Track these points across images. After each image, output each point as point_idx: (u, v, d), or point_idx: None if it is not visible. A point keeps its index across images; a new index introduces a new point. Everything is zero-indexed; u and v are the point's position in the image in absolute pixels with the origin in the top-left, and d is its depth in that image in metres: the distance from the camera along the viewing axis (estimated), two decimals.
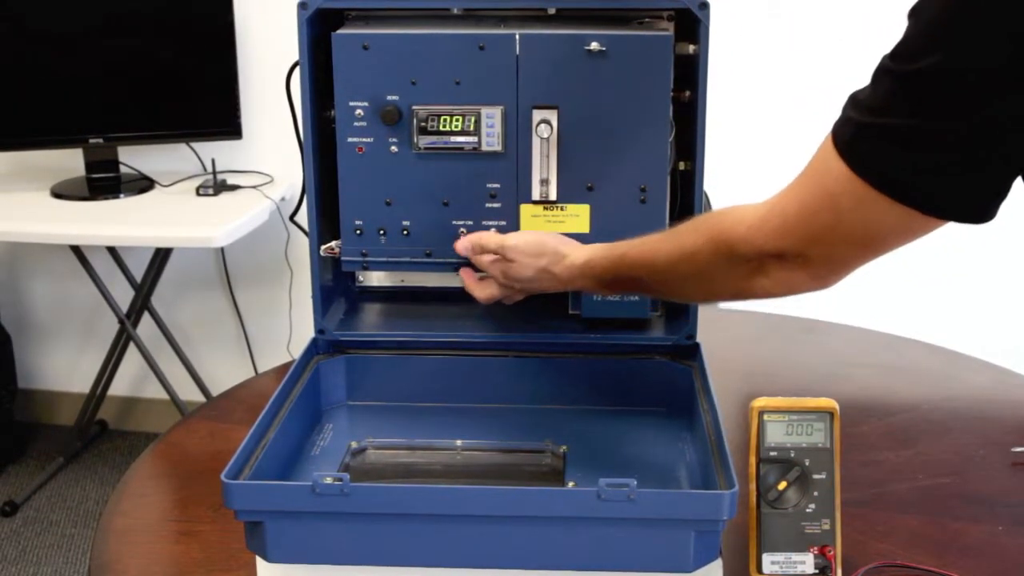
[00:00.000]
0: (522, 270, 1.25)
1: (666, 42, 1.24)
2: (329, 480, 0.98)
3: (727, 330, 1.71)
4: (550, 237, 1.26)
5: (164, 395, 2.84)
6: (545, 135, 1.26)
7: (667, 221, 1.31)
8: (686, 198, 1.31)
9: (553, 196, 1.29)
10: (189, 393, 2.88)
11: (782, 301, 1.76)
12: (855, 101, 0.94)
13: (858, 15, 2.52)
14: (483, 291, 1.31)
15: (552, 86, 1.25)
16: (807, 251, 0.99)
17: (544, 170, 1.29)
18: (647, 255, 1.15)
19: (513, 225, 1.30)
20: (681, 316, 1.33)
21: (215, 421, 1.44)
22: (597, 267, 1.20)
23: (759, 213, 1.02)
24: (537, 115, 1.26)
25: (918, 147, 0.89)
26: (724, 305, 2.41)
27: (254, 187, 2.67)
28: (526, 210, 1.30)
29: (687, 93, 1.28)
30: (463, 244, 1.29)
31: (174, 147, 2.79)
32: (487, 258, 1.28)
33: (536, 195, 1.29)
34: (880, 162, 0.91)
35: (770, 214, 1.01)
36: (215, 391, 2.77)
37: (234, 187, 2.67)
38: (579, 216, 1.30)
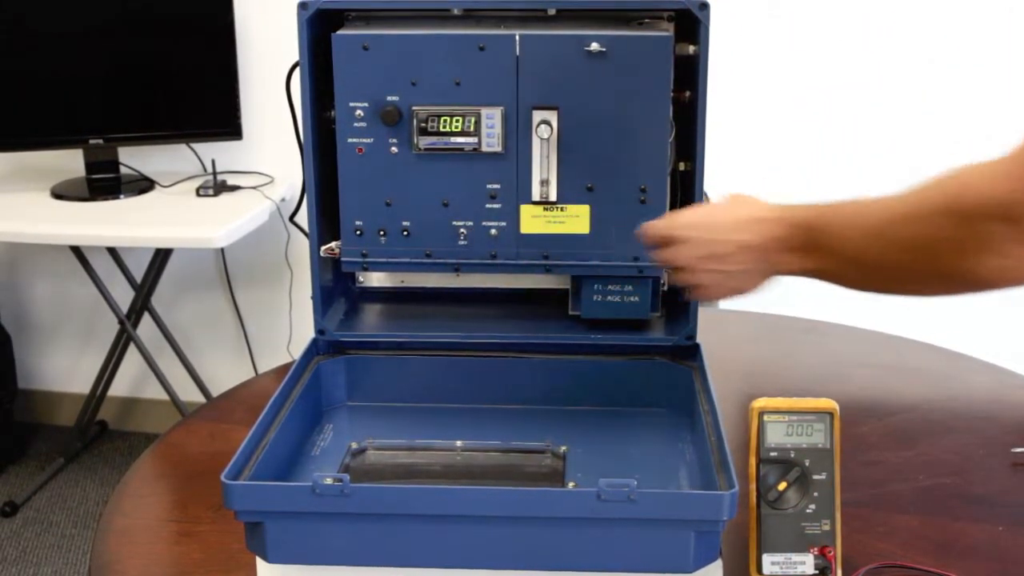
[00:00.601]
0: (709, 245, 1.11)
1: (666, 43, 1.24)
2: (329, 481, 0.98)
3: (727, 330, 1.71)
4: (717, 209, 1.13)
5: (164, 396, 2.84)
6: (545, 136, 1.27)
7: None
8: (686, 198, 1.31)
9: (553, 197, 1.29)
10: (189, 394, 2.88)
11: (780, 301, 1.76)
12: None
13: (858, 15, 2.52)
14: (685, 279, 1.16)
15: (552, 87, 1.25)
16: None
17: (544, 171, 1.29)
18: (858, 210, 0.99)
19: (513, 226, 1.30)
20: (681, 317, 1.33)
21: (215, 421, 1.45)
22: (796, 216, 1.05)
23: (1005, 162, 0.86)
24: (537, 116, 1.26)
25: None
26: (723, 305, 2.42)
27: (254, 188, 2.67)
28: (526, 211, 1.30)
29: (687, 93, 1.28)
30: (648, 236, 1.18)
31: (174, 148, 2.79)
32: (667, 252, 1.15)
33: (536, 196, 1.29)
34: None
35: (1009, 161, 0.86)
36: (215, 391, 2.77)
37: (234, 188, 2.67)
38: (579, 216, 1.30)
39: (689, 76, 1.27)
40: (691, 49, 1.25)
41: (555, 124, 1.26)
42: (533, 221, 1.30)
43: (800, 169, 2.65)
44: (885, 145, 2.56)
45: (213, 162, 2.69)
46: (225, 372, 2.93)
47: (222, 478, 0.99)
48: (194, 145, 2.79)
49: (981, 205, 0.86)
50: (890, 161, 2.60)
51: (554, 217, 1.30)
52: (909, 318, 1.84)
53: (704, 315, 1.32)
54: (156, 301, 2.89)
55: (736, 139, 2.61)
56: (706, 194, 1.32)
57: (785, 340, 1.71)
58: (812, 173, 2.63)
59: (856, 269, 1.01)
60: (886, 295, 1.05)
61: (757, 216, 1.09)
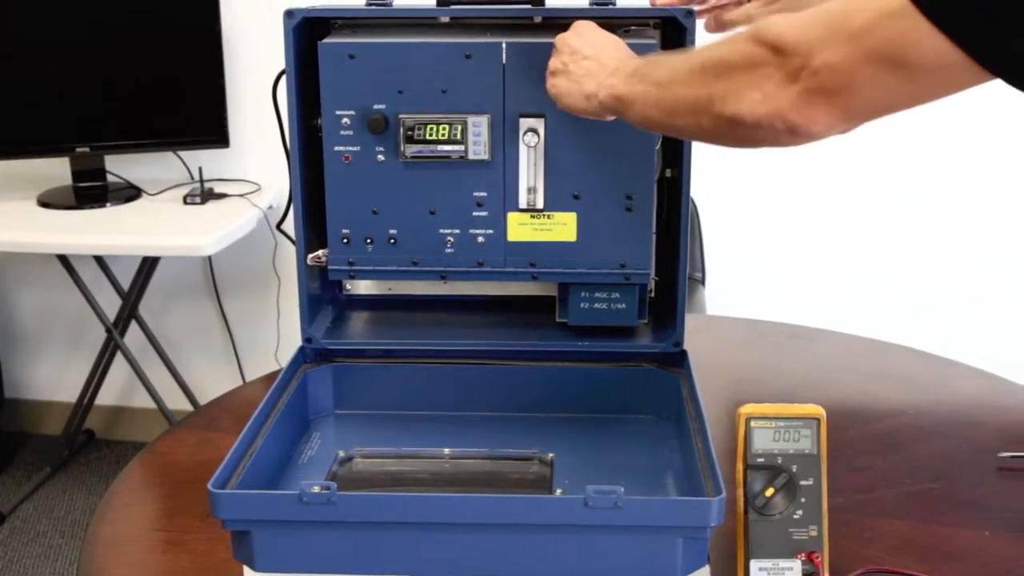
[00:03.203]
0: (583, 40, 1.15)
1: (652, 50, 1.25)
2: (316, 489, 0.98)
3: (714, 337, 1.71)
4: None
5: (152, 404, 2.83)
6: (532, 143, 1.27)
7: (654, 228, 1.31)
8: (673, 205, 1.31)
9: (540, 204, 1.29)
10: (177, 402, 2.87)
11: (766, 307, 1.76)
12: None
13: None
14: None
15: (538, 94, 1.25)
16: (818, 50, 0.85)
17: (531, 178, 1.29)
18: (696, 47, 1.03)
19: (501, 234, 1.31)
20: (668, 324, 1.33)
21: (203, 430, 1.44)
22: (650, 57, 1.09)
23: (809, 11, 0.88)
24: (524, 123, 1.27)
25: None
26: (711, 311, 2.44)
27: (241, 196, 2.67)
28: (513, 218, 1.30)
29: None
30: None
31: (161, 156, 2.79)
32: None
33: (523, 203, 1.30)
34: None
35: (816, 9, 0.87)
36: (203, 400, 2.76)
37: (221, 196, 2.66)
38: (566, 224, 1.30)
39: None
40: None
41: (542, 132, 1.27)
42: (520, 229, 1.30)
43: (788, 174, 2.66)
44: (874, 149, 2.58)
45: (200, 170, 2.68)
46: (213, 380, 2.92)
47: (209, 487, 0.99)
48: (181, 153, 2.78)
49: (767, 34, 0.89)
50: (880, 165, 2.61)
51: (541, 225, 1.30)
52: (895, 323, 1.85)
53: (691, 321, 1.32)
54: (143, 309, 2.88)
55: (725, 153, 2.62)
56: (693, 201, 1.33)
57: (772, 346, 1.72)
58: (800, 178, 2.64)
59: (655, 91, 1.03)
60: (665, 132, 1.12)
61: (631, 53, 1.13)
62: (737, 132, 0.94)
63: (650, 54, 1.12)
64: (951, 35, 0.81)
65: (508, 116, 1.27)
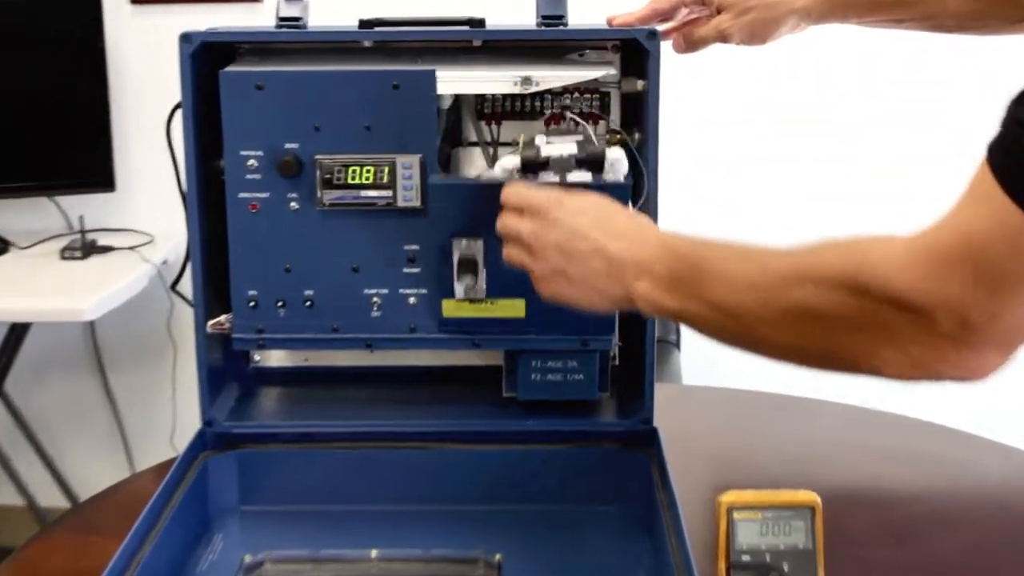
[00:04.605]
0: (565, 236, 1.12)
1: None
2: None
3: (690, 411, 1.72)
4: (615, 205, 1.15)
5: (20, 501, 2.79)
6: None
7: None
8: None
9: (481, 295, 1.30)
10: (51, 498, 2.84)
11: (749, 373, 1.77)
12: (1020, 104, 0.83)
13: (825, 45, 2.59)
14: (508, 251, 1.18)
15: None
16: (966, 304, 0.86)
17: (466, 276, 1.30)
18: (741, 255, 1.01)
19: (436, 296, 1.32)
20: (634, 397, 1.34)
21: (82, 532, 1.43)
22: (679, 249, 1.06)
23: (908, 243, 0.90)
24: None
25: None
26: (686, 381, 2.46)
27: (130, 248, 2.66)
28: (448, 304, 1.31)
29: (636, 135, 1.31)
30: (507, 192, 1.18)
31: (33, 201, 2.78)
32: (520, 221, 1.16)
33: (460, 294, 1.30)
34: None
35: (921, 246, 0.89)
36: (83, 495, 2.73)
37: (106, 249, 2.66)
38: (514, 306, 1.31)
39: (637, 115, 1.30)
40: (639, 84, 1.28)
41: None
42: (458, 307, 1.31)
43: (768, 219, 2.70)
44: (855, 191, 2.65)
45: (81, 219, 2.68)
46: (95, 471, 2.89)
47: None
48: (57, 198, 2.77)
49: (881, 288, 0.90)
50: (859, 206, 2.68)
51: (482, 308, 1.31)
52: (898, 390, 1.86)
53: (662, 393, 1.34)
54: (11, 386, 2.85)
55: (694, 185, 2.66)
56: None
57: (758, 420, 1.73)
58: (782, 224, 2.69)
59: (728, 321, 1.02)
60: (759, 356, 1.05)
61: (637, 232, 1.10)
62: (867, 375, 0.96)
63: (667, 237, 1.08)
64: None
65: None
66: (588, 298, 1.13)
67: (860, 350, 0.93)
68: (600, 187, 1.20)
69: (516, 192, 1.18)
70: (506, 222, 1.17)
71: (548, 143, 1.26)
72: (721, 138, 2.73)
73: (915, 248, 0.89)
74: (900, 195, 2.72)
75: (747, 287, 0.99)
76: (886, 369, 0.92)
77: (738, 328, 1.02)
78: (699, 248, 1.06)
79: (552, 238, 1.13)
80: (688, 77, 2.49)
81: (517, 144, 1.28)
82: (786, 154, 2.69)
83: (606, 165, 1.25)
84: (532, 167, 1.24)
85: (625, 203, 1.23)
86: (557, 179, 1.23)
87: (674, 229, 1.10)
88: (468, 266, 1.27)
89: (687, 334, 2.54)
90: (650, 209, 1.29)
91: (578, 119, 1.32)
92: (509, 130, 1.37)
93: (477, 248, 1.28)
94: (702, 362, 2.61)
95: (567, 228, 1.12)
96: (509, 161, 1.26)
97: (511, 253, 1.17)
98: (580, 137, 1.27)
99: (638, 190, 1.30)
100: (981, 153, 0.87)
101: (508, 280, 1.28)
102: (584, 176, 1.24)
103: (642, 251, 1.08)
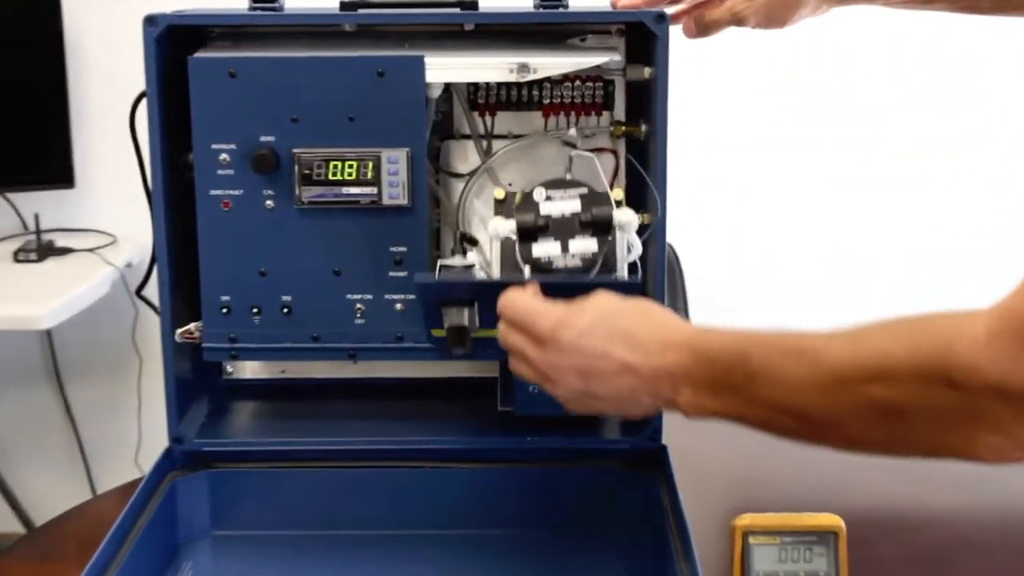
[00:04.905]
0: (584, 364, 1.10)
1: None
2: None
3: (702, 428, 1.71)
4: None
5: None
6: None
7: None
8: (643, 260, 1.32)
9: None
10: (4, 523, 2.83)
11: None
12: None
13: (847, 33, 2.60)
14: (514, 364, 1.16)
15: None
16: None
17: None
18: (796, 348, 0.99)
19: None
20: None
21: (39, 560, 1.42)
22: (712, 348, 1.05)
23: (990, 322, 0.88)
24: None
25: None
26: None
27: (90, 250, 2.65)
28: None
29: (643, 127, 1.30)
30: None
31: None
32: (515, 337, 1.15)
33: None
34: None
35: (1007, 322, 0.88)
36: (39, 519, 2.72)
37: (64, 250, 2.65)
38: None
39: (644, 105, 1.29)
40: (646, 72, 1.28)
41: None
42: None
43: (791, 222, 2.70)
44: (877, 175, 2.67)
45: (36, 217, 2.67)
46: (53, 493, 2.88)
47: None
48: (11, 196, 2.76)
49: (975, 379, 0.88)
50: (881, 189, 2.70)
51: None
52: None
53: (674, 419, 1.32)
54: None
55: (708, 184, 2.66)
56: (672, 248, 1.34)
57: (782, 447, 1.72)
58: (803, 209, 2.70)
59: (792, 422, 1.01)
60: (833, 450, 1.04)
61: (659, 336, 1.08)
62: (964, 460, 0.95)
63: (693, 335, 1.06)
64: None
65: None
66: (624, 410, 1.13)
67: (958, 440, 0.92)
68: (606, 285, 1.16)
69: (514, 309, 1.14)
70: (510, 342, 1.15)
71: (548, 199, 1.23)
72: (733, 130, 2.73)
73: (999, 327, 0.88)
74: (922, 178, 2.76)
75: (810, 387, 0.97)
76: (988, 454, 0.92)
77: (804, 428, 1.01)
78: (735, 343, 1.03)
79: (567, 363, 1.10)
80: (699, 64, 2.51)
81: (512, 140, 1.27)
82: (804, 139, 2.70)
83: (616, 231, 1.22)
84: (530, 233, 1.22)
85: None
86: (558, 245, 1.21)
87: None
88: (458, 335, 1.23)
89: None
90: (658, 214, 1.28)
91: (579, 182, 1.27)
92: (504, 121, 1.38)
93: (467, 315, 1.23)
94: None
95: (581, 351, 1.09)
96: (503, 226, 1.23)
97: (523, 371, 1.15)
98: (584, 190, 1.25)
99: (644, 193, 1.30)
100: None
101: None
102: (589, 244, 1.22)
103: (674, 359, 1.06)
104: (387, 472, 1.34)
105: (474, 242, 1.35)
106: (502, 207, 1.27)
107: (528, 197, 1.24)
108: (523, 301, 1.13)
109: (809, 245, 2.78)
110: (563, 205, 1.23)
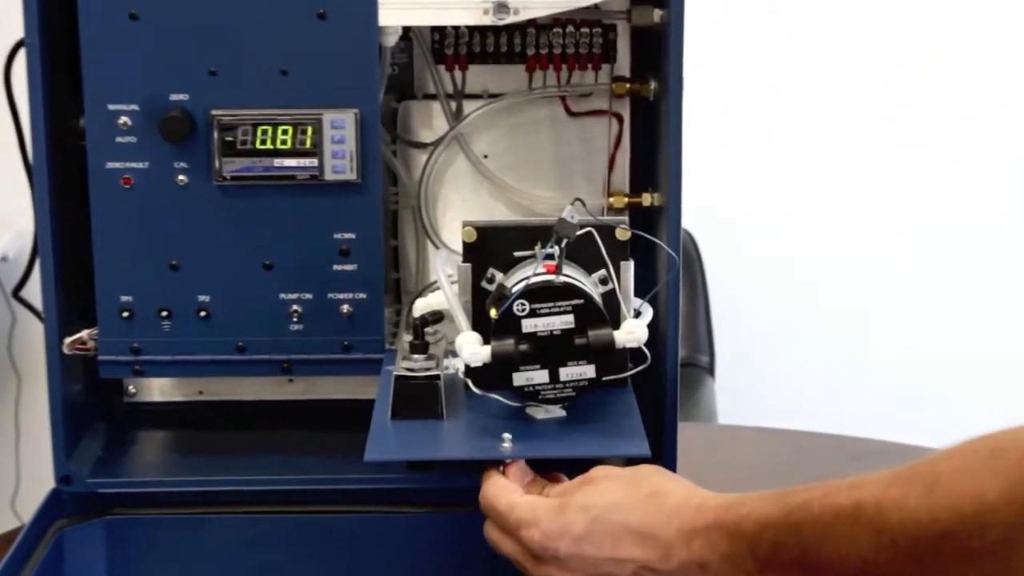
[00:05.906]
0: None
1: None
2: None
3: (726, 458, 1.72)
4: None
5: None
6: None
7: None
8: (652, 244, 1.31)
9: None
10: None
11: (815, 410, 1.78)
12: None
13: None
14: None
15: None
16: None
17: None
18: (861, 520, 1.01)
19: (378, 303, 1.32)
20: (651, 441, 1.34)
21: None
22: (747, 527, 1.08)
23: None
24: None
25: None
26: (723, 419, 2.45)
27: None
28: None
29: (652, 84, 1.31)
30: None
31: None
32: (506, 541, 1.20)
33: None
34: None
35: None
36: None
37: None
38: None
39: (654, 57, 1.30)
40: (656, 15, 1.29)
41: None
42: None
43: (836, 217, 2.72)
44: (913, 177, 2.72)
45: None
46: None
47: None
48: None
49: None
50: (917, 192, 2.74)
51: None
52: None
53: (688, 434, 1.33)
54: None
55: (729, 155, 2.68)
56: (688, 234, 1.34)
57: (822, 471, 1.73)
58: (854, 220, 2.72)
59: None
60: None
61: (678, 524, 1.10)
62: None
63: (715, 515, 1.09)
64: None
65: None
66: None
67: None
68: (607, 460, 1.19)
69: (495, 512, 1.18)
70: (504, 550, 1.19)
71: (532, 314, 1.19)
72: (763, 91, 2.75)
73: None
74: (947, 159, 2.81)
75: (881, 551, 0.99)
76: None
77: None
78: (775, 514, 1.06)
79: (576, 571, 1.14)
80: (722, 5, 2.53)
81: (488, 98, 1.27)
82: (850, 100, 2.73)
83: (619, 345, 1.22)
84: (507, 362, 1.20)
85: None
86: (546, 373, 1.20)
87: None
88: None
89: (725, 355, 2.55)
90: (671, 193, 1.29)
91: (572, 286, 1.21)
92: (478, 77, 1.39)
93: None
94: (744, 393, 2.63)
95: (585, 560, 1.13)
96: (473, 354, 1.20)
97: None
98: (579, 301, 1.20)
99: (653, 167, 1.30)
100: None
101: None
102: (585, 370, 1.21)
103: (704, 548, 1.09)
104: (332, 519, 1.35)
105: (439, 319, 1.31)
106: (473, 253, 1.25)
107: (503, 298, 1.19)
108: (504, 502, 1.17)
109: (860, 228, 2.80)
110: (551, 321, 1.20)
